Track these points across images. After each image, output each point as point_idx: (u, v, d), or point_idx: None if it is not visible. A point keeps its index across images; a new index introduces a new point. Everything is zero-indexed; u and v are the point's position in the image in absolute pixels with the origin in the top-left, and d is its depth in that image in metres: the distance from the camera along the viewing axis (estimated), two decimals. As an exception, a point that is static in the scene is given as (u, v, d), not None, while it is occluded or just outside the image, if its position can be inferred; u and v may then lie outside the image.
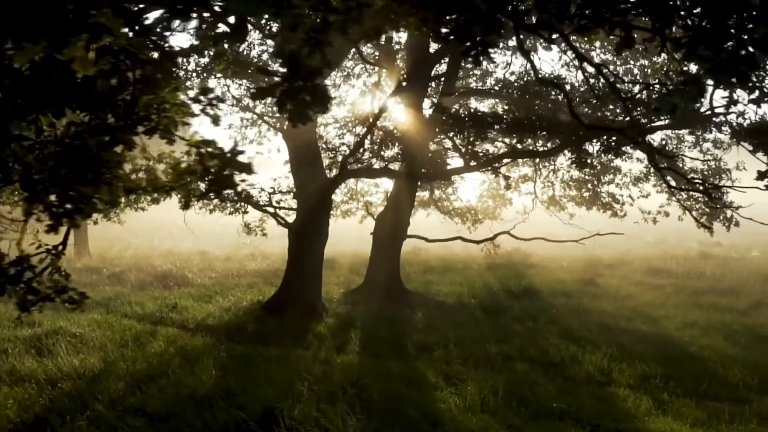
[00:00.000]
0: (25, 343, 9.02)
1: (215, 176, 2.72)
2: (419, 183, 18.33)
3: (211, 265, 18.71)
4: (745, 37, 3.17)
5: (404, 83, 12.50)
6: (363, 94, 18.60)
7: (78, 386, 7.28)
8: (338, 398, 6.90)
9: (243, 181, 2.85)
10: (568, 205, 18.19)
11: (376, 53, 15.60)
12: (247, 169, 2.71)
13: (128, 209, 14.28)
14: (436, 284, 16.32)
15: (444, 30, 2.62)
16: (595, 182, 17.01)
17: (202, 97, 2.99)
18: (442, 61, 14.56)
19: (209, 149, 2.75)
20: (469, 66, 15.92)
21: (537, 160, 16.87)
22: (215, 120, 3.00)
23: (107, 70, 2.68)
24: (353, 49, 11.98)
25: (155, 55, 2.77)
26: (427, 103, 14.27)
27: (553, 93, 11.20)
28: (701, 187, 11.03)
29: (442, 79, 14.38)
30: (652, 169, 15.95)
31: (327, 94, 2.33)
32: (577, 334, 10.85)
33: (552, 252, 21.16)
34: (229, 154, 2.71)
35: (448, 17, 2.58)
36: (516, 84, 13.44)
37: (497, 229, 16.75)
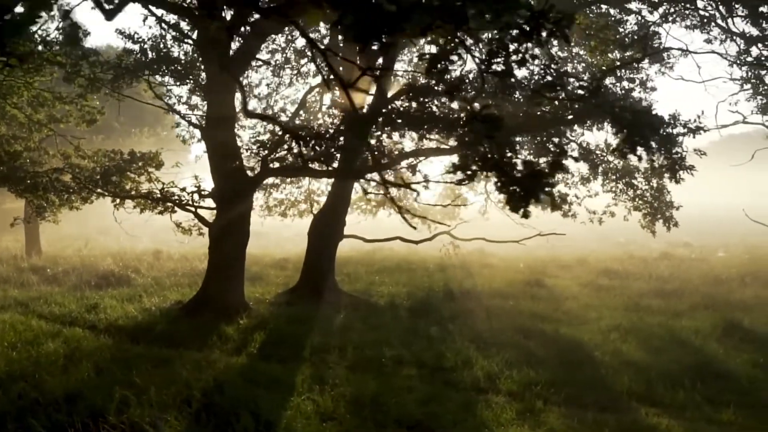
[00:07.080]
0: None
1: None
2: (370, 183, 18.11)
3: (161, 264, 18.62)
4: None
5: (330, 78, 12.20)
6: (314, 92, 18.33)
7: (-75, 389, 7.14)
8: (178, 403, 6.70)
9: None
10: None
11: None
12: None
13: (64, 209, 14.12)
14: (379, 285, 16.04)
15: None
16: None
17: None
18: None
19: None
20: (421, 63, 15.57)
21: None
22: None
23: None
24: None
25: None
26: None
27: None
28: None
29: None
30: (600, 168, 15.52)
31: None
32: (488, 338, 10.55)
33: (512, 252, 20.78)
34: None
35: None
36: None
37: (459, 230, 16.44)
